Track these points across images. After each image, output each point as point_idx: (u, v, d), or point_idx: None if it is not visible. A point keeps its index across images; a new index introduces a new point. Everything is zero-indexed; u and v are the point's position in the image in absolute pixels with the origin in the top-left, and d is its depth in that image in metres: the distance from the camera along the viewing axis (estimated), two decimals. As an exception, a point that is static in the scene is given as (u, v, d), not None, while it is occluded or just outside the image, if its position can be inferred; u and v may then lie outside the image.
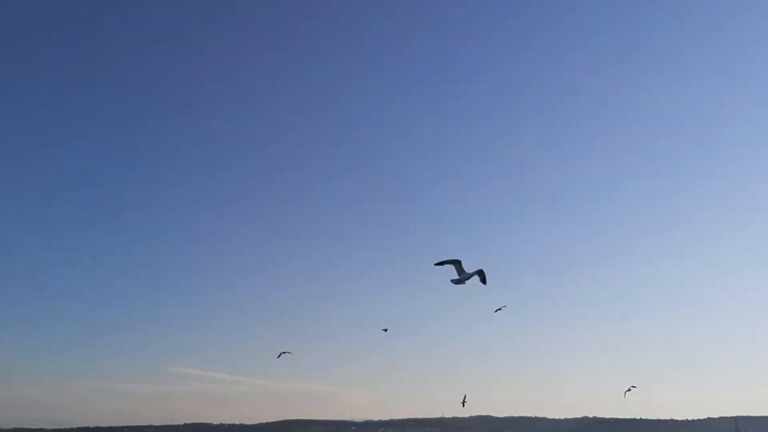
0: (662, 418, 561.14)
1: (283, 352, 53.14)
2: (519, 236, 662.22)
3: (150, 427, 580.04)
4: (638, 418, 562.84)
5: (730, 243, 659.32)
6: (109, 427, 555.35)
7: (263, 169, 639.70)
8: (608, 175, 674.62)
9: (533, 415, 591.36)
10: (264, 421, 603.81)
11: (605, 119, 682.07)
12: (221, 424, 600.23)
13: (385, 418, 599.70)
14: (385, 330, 64.86)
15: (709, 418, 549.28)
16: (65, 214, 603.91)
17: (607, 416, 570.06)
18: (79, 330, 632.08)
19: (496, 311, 60.51)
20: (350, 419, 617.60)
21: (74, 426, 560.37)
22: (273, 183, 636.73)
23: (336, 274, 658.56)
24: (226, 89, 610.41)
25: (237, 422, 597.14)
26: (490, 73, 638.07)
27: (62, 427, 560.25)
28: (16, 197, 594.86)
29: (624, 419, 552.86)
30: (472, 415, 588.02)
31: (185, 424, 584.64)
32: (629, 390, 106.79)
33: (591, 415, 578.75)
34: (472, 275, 54.95)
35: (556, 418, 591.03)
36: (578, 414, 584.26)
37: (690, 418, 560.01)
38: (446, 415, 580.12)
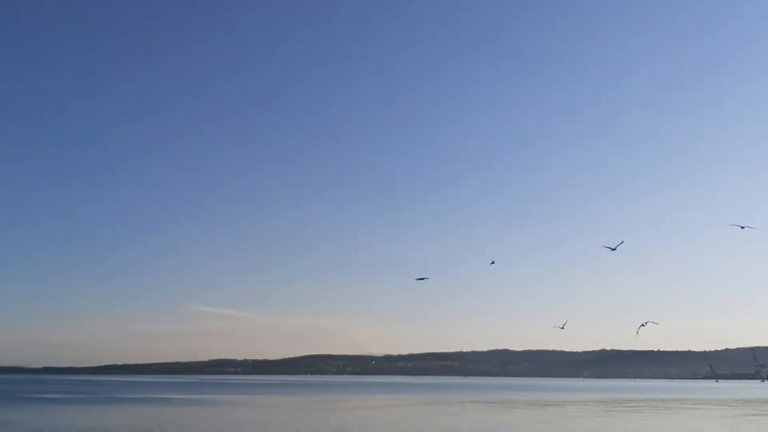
0: (680, 349, 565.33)
1: (421, 278, 51.25)
2: (532, 173, 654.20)
3: (177, 363, 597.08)
4: (655, 350, 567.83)
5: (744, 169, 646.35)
6: (136, 365, 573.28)
7: (295, 110, 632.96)
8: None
9: (550, 349, 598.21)
10: (286, 356, 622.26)
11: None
12: (245, 359, 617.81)
13: (404, 352, 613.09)
14: (492, 263, 60.98)
15: (726, 349, 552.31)
16: (85, 158, 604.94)
17: (624, 348, 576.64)
18: (101, 272, 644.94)
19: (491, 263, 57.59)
20: (370, 353, 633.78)
21: (102, 364, 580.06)
22: (296, 124, 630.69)
23: (354, 213, 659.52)
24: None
25: (260, 358, 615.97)
26: None
27: (91, 365, 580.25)
28: (47, 142, 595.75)
29: (641, 351, 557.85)
30: (490, 348, 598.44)
31: (210, 360, 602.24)
32: (643, 325, 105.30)
33: (608, 348, 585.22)
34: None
35: (574, 350, 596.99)
36: (596, 347, 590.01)
37: (708, 350, 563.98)
38: (464, 350, 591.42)
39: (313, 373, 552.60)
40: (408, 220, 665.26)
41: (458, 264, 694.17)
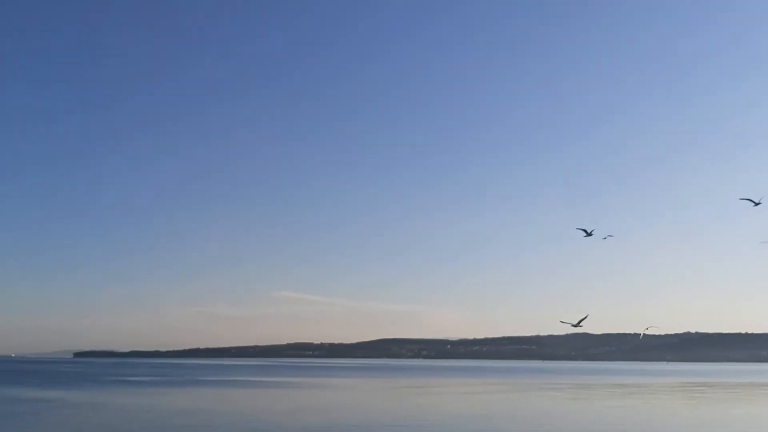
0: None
1: (588, 233, 48.62)
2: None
3: (256, 347, 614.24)
4: (743, 332, 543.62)
5: None
6: (218, 348, 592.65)
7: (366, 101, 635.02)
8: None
9: (631, 332, 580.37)
10: (361, 340, 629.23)
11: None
12: (321, 343, 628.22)
13: (479, 336, 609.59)
14: (606, 238, 56.51)
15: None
16: (164, 145, 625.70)
17: (711, 331, 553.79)
18: (184, 262, 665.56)
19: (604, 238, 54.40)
20: (445, 338, 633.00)
21: (186, 348, 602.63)
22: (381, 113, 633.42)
23: (430, 198, 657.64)
24: None
25: (336, 341, 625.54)
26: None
27: (175, 349, 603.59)
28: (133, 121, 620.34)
29: (729, 333, 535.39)
30: (568, 332, 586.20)
31: (288, 344, 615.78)
32: (646, 330, 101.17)
33: (693, 330, 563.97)
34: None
35: (656, 333, 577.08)
36: (678, 329, 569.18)
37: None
38: (541, 333, 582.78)
39: (388, 357, 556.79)
40: (483, 204, 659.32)
41: (535, 247, 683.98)
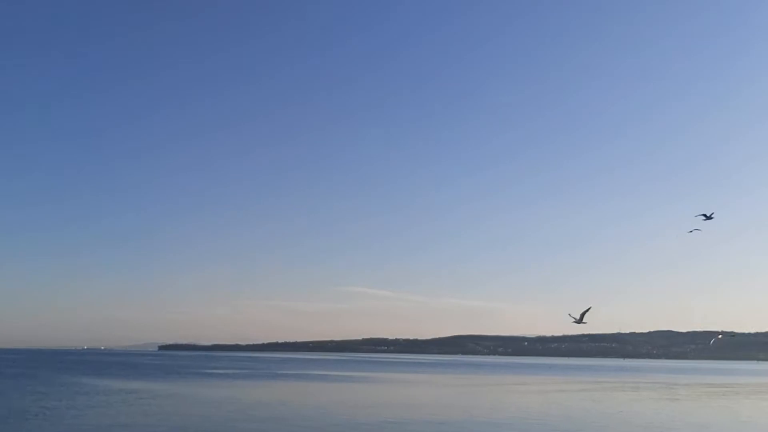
0: None
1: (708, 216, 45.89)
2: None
3: (331, 342, 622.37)
4: None
5: None
6: (295, 342, 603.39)
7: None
8: None
9: (719, 329, 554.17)
10: (437, 336, 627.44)
11: None
12: (396, 339, 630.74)
13: (558, 333, 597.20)
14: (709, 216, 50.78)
15: None
16: (247, 141, 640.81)
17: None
18: (263, 258, 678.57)
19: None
20: (522, 335, 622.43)
21: (264, 342, 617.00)
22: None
23: (504, 195, 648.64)
24: None
25: (411, 337, 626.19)
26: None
27: (254, 342, 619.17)
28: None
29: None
30: (651, 329, 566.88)
31: (363, 339, 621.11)
32: (718, 336, 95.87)
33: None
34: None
35: (745, 331, 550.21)
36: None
37: None
38: (622, 331, 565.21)
39: (464, 353, 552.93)
40: (559, 200, 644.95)
41: (617, 239, 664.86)
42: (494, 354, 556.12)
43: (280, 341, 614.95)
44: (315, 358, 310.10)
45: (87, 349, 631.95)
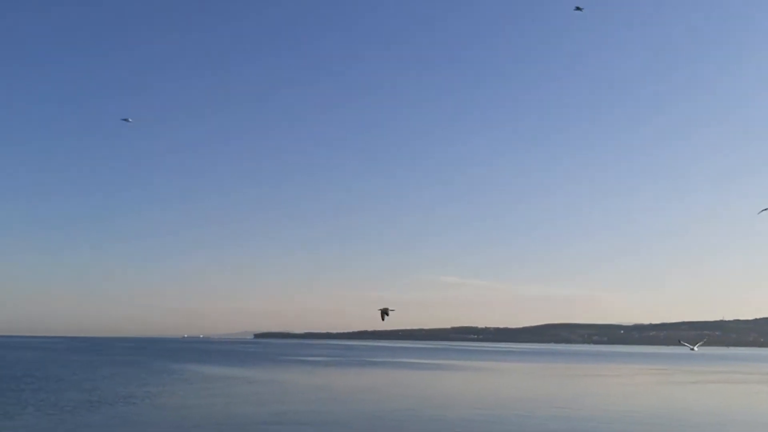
0: None
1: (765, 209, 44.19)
2: None
3: (421, 330, 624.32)
4: None
5: None
6: (385, 331, 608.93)
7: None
8: None
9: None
10: (529, 325, 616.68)
11: None
12: (486, 327, 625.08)
13: (656, 321, 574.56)
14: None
15: None
16: (336, 133, 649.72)
17: None
18: (355, 247, 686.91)
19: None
20: (618, 323, 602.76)
21: (355, 330, 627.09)
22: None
23: (599, 180, 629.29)
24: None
25: (502, 326, 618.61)
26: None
27: (345, 331, 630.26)
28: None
29: None
30: (758, 316, 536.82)
31: (453, 328, 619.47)
32: (697, 346, 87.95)
33: None
34: None
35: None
36: None
37: None
38: (726, 318, 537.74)
39: (557, 342, 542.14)
40: (658, 186, 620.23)
41: (715, 228, 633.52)
42: (588, 342, 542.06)
43: (370, 330, 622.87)
44: (405, 346, 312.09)
45: (187, 337, 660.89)
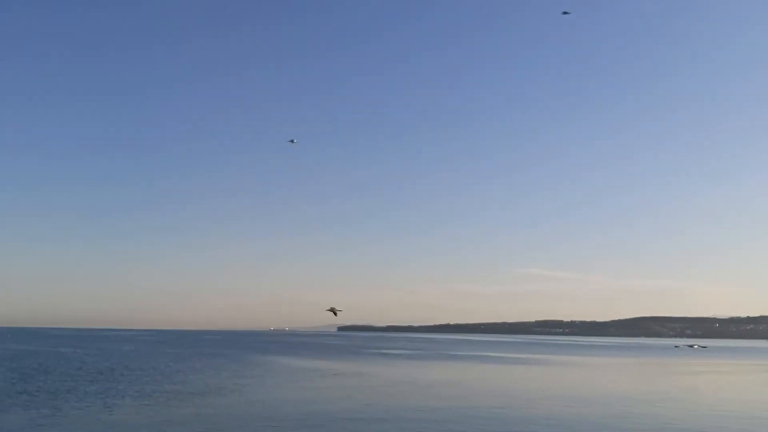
0: None
1: None
2: None
3: (504, 324, 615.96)
4: None
5: None
6: (466, 324, 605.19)
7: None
8: None
9: None
10: (617, 318, 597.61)
11: None
12: (572, 320, 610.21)
13: (754, 314, 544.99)
14: None
15: None
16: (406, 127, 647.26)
17: None
18: (434, 242, 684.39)
19: None
20: (713, 315, 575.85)
21: (436, 323, 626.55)
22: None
23: (690, 169, 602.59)
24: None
25: (588, 319, 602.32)
26: None
27: (426, 324, 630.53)
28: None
29: None
30: None
31: (536, 321, 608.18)
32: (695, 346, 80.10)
33: None
34: None
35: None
36: None
37: None
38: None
39: (647, 335, 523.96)
40: (754, 174, 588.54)
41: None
42: (681, 336, 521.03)
43: (452, 323, 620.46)
44: (487, 340, 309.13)
45: (273, 330, 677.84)
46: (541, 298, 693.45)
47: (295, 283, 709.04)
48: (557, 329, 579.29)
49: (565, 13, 50.91)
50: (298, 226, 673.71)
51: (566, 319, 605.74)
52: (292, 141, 76.41)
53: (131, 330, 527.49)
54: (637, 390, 57.34)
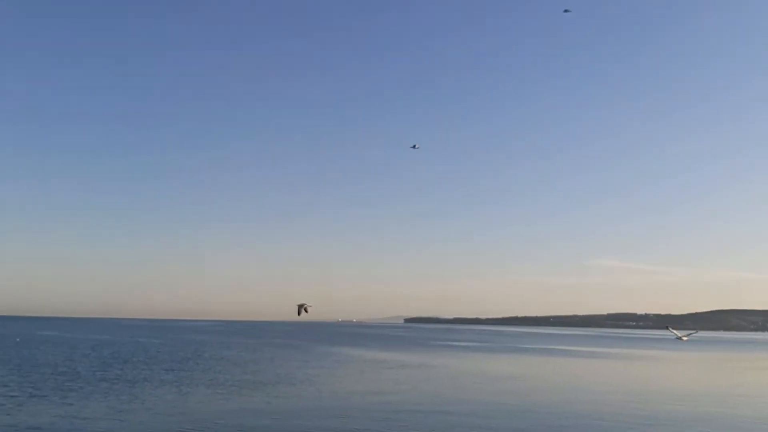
0: None
1: None
2: None
3: (575, 316, 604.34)
4: None
5: None
6: (536, 317, 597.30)
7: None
8: None
9: None
10: (693, 311, 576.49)
11: None
12: (646, 314, 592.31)
13: None
14: None
15: None
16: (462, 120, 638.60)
17: None
18: (499, 239, 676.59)
19: None
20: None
21: (505, 316, 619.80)
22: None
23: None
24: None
25: (663, 312, 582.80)
26: None
27: (494, 316, 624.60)
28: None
29: None
30: None
31: (609, 314, 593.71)
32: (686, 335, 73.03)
33: None
34: None
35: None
36: None
37: None
38: None
39: (725, 329, 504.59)
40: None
41: None
42: (762, 330, 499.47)
43: (520, 315, 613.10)
44: (556, 333, 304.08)
45: (341, 321, 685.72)
46: (614, 290, 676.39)
47: (363, 275, 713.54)
48: (630, 322, 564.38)
49: (566, 11, 48.95)
50: (369, 220, 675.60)
51: (640, 312, 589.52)
52: (414, 146, 77.88)
53: (203, 320, 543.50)
54: (715, 384, 55.19)
